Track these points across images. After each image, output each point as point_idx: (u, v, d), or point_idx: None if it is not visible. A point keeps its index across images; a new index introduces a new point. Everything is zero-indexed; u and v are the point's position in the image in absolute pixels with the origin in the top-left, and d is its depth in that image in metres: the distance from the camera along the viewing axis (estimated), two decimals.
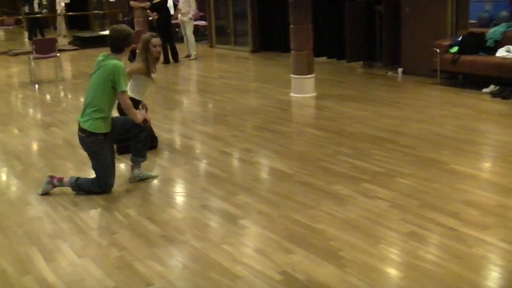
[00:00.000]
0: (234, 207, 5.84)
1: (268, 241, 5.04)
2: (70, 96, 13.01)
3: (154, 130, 7.80)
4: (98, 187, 6.41)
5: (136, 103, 7.14)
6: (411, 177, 6.42)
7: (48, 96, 13.03)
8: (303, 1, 10.71)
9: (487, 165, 7.04)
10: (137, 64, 7.64)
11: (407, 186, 6.18)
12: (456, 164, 6.80)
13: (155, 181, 6.77)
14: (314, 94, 11.04)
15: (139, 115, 6.52)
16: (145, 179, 6.77)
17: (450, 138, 7.88)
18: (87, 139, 6.34)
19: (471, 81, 11.23)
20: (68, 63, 18.31)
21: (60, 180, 6.51)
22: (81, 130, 6.37)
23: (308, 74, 11.00)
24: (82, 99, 12.04)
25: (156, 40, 7.56)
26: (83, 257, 4.94)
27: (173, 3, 17.62)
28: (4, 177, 7.38)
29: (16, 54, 20.47)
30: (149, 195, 6.40)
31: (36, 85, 14.09)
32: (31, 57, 14.64)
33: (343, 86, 12.22)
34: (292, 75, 11.11)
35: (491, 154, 7.24)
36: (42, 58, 14.96)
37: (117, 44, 6.43)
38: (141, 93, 7.75)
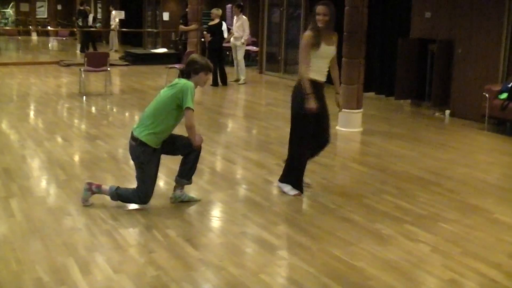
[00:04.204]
0: (273, 237, 5.79)
1: (306, 275, 4.98)
2: (117, 110, 13.09)
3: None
4: (138, 197, 6.44)
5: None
6: (454, 223, 6.32)
7: (95, 109, 13.14)
8: (357, 36, 10.71)
9: None
10: None
11: (450, 231, 6.08)
12: (501, 213, 6.68)
13: (197, 204, 6.74)
14: (361, 129, 10.99)
15: (197, 138, 6.50)
16: (187, 201, 6.76)
17: (495, 187, 7.76)
18: (137, 148, 6.35)
19: None
20: (117, 78, 18.50)
21: (99, 187, 6.55)
22: (133, 138, 6.39)
23: (357, 108, 10.96)
24: (128, 114, 12.18)
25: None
26: (119, 273, 4.92)
27: (227, 26, 17.73)
28: (47, 186, 7.41)
29: (68, 65, 20.78)
30: (190, 216, 6.39)
31: (84, 97, 14.25)
32: (82, 69, 14.84)
33: (390, 123, 12.14)
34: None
35: None
36: (93, 71, 15.14)
37: (186, 70, 6.47)
38: None
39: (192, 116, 6.31)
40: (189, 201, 6.77)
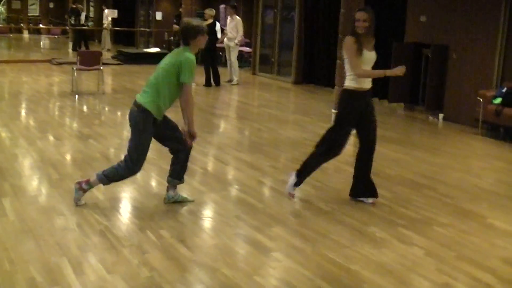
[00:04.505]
0: (267, 239, 5.77)
1: (301, 277, 4.96)
2: (109, 109, 13.04)
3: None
4: (127, 168, 6.38)
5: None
6: (448, 227, 6.32)
7: (87, 108, 13.10)
8: None
9: None
10: None
11: (444, 235, 6.08)
12: (494, 218, 6.68)
13: (190, 204, 6.71)
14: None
15: (194, 128, 6.38)
16: (180, 202, 6.73)
17: (489, 192, 7.76)
18: (139, 113, 6.22)
19: None
20: (110, 77, 18.46)
21: (87, 182, 6.51)
22: (136, 104, 6.28)
23: None
24: (120, 114, 12.14)
25: None
26: (112, 274, 4.89)
27: (221, 27, 17.70)
28: (39, 185, 7.36)
29: (60, 64, 20.70)
30: (183, 217, 6.35)
31: (77, 96, 14.21)
32: (75, 68, 14.77)
33: (383, 127, 12.09)
34: (333, 110, 11.04)
35: None
36: (86, 69, 15.10)
37: (183, 37, 6.38)
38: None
39: (189, 91, 6.26)
40: (183, 202, 6.73)
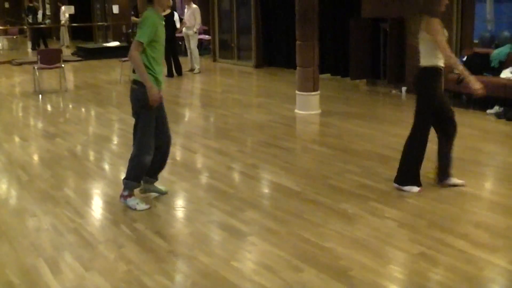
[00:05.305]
0: (242, 223, 5.81)
1: (277, 259, 5.01)
2: (73, 106, 12.94)
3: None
4: (147, 153, 6.25)
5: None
6: (419, 197, 6.40)
7: (51, 106, 13.02)
8: (309, 18, 10.72)
9: (494, 186, 7.02)
10: None
11: (415, 206, 6.16)
12: (464, 185, 6.77)
13: (160, 195, 6.72)
14: (319, 111, 11.04)
15: (155, 92, 6.03)
16: (154, 193, 6.67)
17: (456, 159, 7.79)
18: (141, 90, 6.01)
19: (476, 101, 11.21)
20: (71, 73, 18.34)
21: (125, 197, 6.36)
22: (133, 82, 6.12)
23: (314, 91, 11.00)
24: (84, 110, 12.08)
25: None
26: (90, 271, 4.90)
27: (179, 16, 17.64)
28: (9, 187, 7.32)
29: (20, 64, 20.49)
30: (156, 209, 6.35)
31: (40, 95, 14.10)
32: (36, 67, 14.65)
33: (348, 103, 12.22)
34: (297, 92, 11.11)
35: (498, 176, 7.21)
36: (47, 68, 14.97)
37: None
38: None
39: (135, 47, 5.94)
40: (158, 194, 6.70)
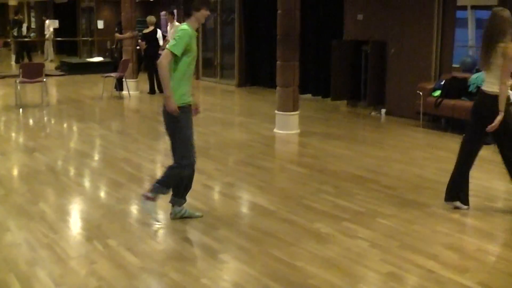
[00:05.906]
0: (214, 241, 5.83)
1: (248, 277, 5.04)
2: (54, 121, 12.95)
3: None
4: (186, 166, 6.23)
5: None
6: (392, 218, 6.46)
7: (32, 121, 12.99)
8: (291, 39, 10.81)
9: (467, 209, 7.08)
10: None
11: (387, 226, 6.22)
12: (437, 206, 6.85)
13: (135, 212, 6.76)
14: (298, 131, 11.10)
15: (172, 103, 5.93)
16: (187, 217, 6.51)
17: (431, 181, 7.93)
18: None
19: (454, 125, 11.33)
20: (54, 88, 18.32)
21: (148, 198, 6.27)
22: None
23: (293, 111, 11.08)
24: (65, 125, 12.07)
25: None
26: (61, 286, 4.90)
27: (162, 34, 17.70)
28: None
29: (2, 77, 20.45)
30: (130, 225, 6.37)
31: (21, 109, 14.07)
32: (18, 81, 14.64)
33: (327, 124, 12.31)
34: (276, 111, 11.18)
35: (472, 199, 7.26)
36: (29, 82, 14.96)
37: (185, 9, 6.26)
38: None
39: (167, 56, 5.86)
40: (192, 217, 6.52)
